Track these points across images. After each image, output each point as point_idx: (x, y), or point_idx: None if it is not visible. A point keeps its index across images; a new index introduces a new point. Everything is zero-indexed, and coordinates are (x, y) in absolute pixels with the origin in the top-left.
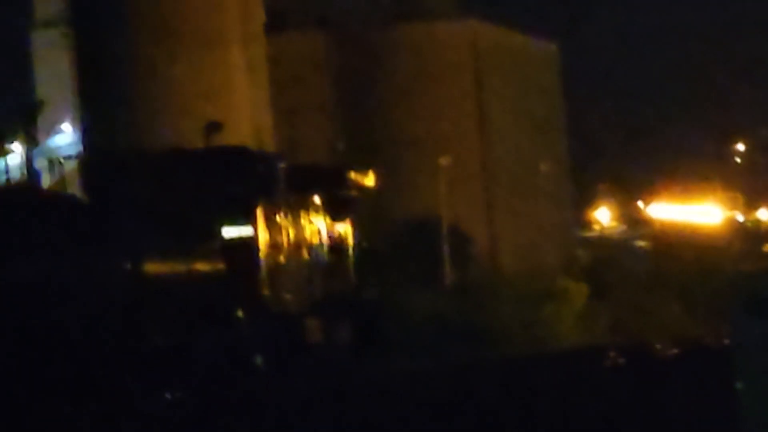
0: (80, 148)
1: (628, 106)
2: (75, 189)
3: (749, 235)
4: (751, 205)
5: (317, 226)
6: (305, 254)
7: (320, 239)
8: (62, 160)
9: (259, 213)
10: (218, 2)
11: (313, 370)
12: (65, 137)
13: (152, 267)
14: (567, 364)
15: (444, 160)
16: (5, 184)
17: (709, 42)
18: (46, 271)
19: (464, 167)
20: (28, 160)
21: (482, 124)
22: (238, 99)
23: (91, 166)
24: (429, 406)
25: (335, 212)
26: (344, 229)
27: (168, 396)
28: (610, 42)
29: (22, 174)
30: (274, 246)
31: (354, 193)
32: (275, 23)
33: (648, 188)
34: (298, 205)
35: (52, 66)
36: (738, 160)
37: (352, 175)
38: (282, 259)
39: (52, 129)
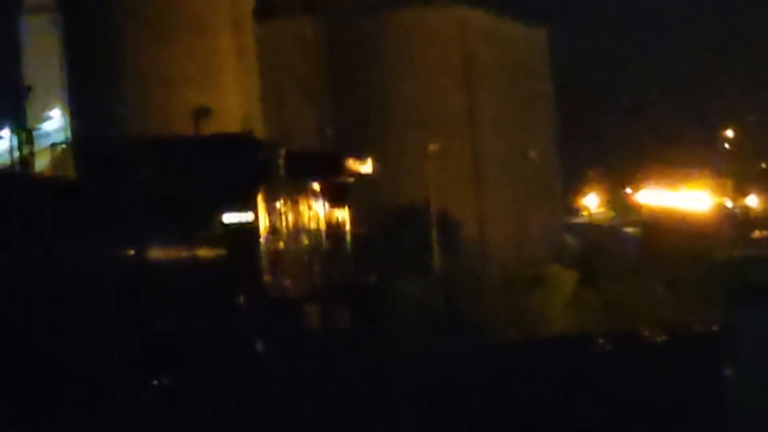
0: (69, 133)
1: (617, 93)
2: (64, 174)
3: (738, 221)
4: (740, 191)
5: (316, 213)
6: (305, 240)
7: (319, 225)
8: (52, 145)
9: (260, 199)
10: None
11: (311, 356)
12: (54, 123)
13: (153, 253)
14: (555, 351)
15: (433, 146)
16: (4, 169)
17: (699, 27)
18: (46, 257)
19: (453, 153)
20: (20, 145)
21: (471, 110)
22: (226, 85)
23: (92, 152)
24: (421, 392)
25: (333, 199)
26: (342, 215)
27: (155, 383)
28: (599, 27)
29: (13, 159)
30: (274, 232)
31: (352, 179)
32: (264, 9)
33: (637, 174)
34: (297, 192)
35: (41, 52)
36: (727, 146)
37: (350, 162)
38: (282, 245)
39: (41, 115)
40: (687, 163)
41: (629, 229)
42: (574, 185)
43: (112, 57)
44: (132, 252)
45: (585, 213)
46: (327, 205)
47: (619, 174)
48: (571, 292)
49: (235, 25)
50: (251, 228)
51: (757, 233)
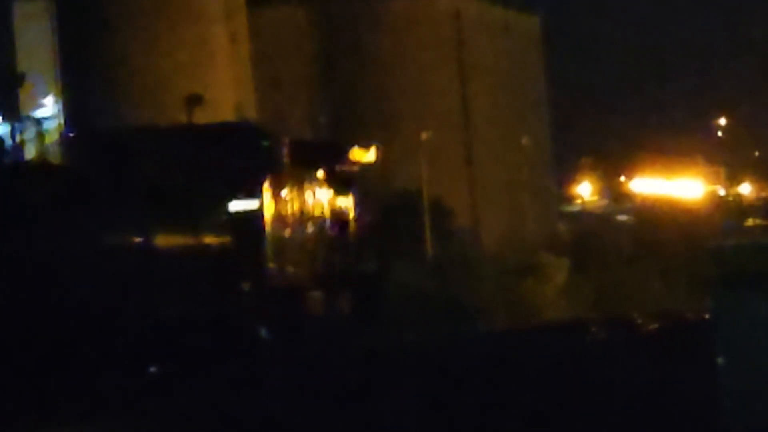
0: (62, 120)
1: (611, 81)
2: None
3: (731, 209)
4: (733, 179)
5: (320, 201)
6: (309, 228)
7: (323, 213)
8: (45, 133)
9: (265, 188)
10: None
11: (314, 342)
12: (47, 110)
13: (161, 240)
14: (548, 339)
15: (426, 135)
16: (14, 160)
17: (692, 16)
18: (53, 245)
19: (446, 141)
20: (12, 132)
21: (464, 98)
22: (219, 73)
23: (100, 141)
24: (415, 379)
25: (337, 187)
26: (346, 203)
27: (153, 369)
28: (592, 16)
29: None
30: (279, 220)
31: (355, 168)
32: None
33: (630, 163)
34: (302, 180)
35: (34, 39)
36: (720, 134)
37: (354, 150)
38: (286, 233)
39: (34, 102)
40: (680, 151)
41: (622, 218)
42: (568, 173)
43: (104, 45)
44: (140, 239)
45: (578, 201)
46: (331, 193)
47: (613, 162)
48: (564, 280)
49: (228, 13)
50: (256, 216)
51: (750, 221)
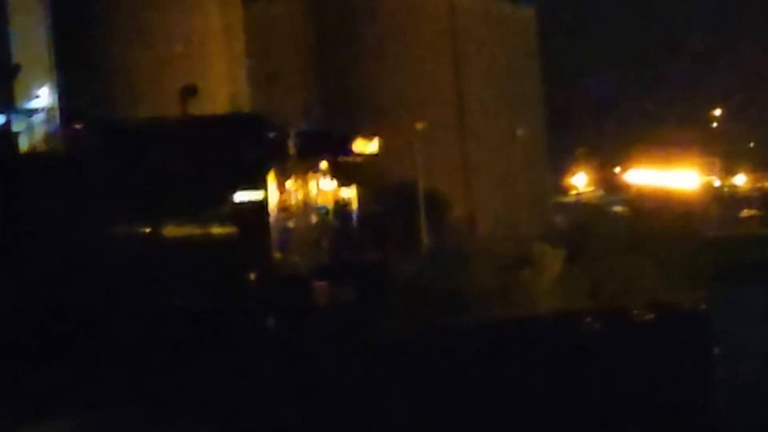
0: (57, 112)
1: (605, 73)
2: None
3: (726, 200)
4: (729, 170)
5: (324, 192)
6: (313, 219)
7: (328, 204)
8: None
9: (270, 178)
10: None
11: (319, 331)
12: (41, 101)
13: (168, 230)
14: (543, 329)
15: (421, 126)
16: (24, 150)
17: (687, 7)
18: (65, 234)
19: (441, 132)
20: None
21: (459, 90)
22: (214, 64)
23: (108, 132)
24: (411, 370)
25: (341, 178)
26: (349, 194)
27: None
28: (587, 6)
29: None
30: (284, 210)
31: (359, 159)
32: None
33: (625, 153)
34: (306, 171)
35: (29, 30)
36: (715, 125)
37: (358, 141)
38: (291, 223)
39: (28, 93)
40: (675, 142)
41: (618, 208)
42: (563, 164)
43: (98, 36)
44: (148, 229)
45: (573, 192)
46: (335, 183)
47: (608, 153)
48: (560, 271)
49: (223, 5)
50: (262, 206)
51: (744, 212)
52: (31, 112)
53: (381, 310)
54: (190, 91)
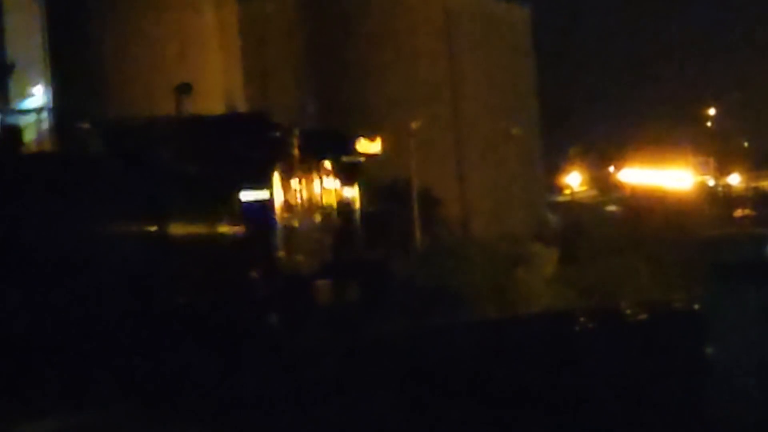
0: (50, 110)
1: (600, 71)
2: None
3: (720, 200)
4: (723, 170)
5: (328, 191)
6: (317, 218)
7: (331, 203)
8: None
9: (275, 178)
10: None
11: (320, 329)
12: (37, 100)
13: (175, 229)
14: (536, 328)
15: (415, 124)
16: (25, 150)
17: (682, 5)
18: (77, 232)
19: (435, 131)
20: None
21: (454, 88)
22: (208, 61)
23: (115, 131)
24: (404, 368)
25: (344, 177)
26: (352, 193)
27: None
28: (582, 5)
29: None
30: (289, 210)
31: (362, 158)
32: None
33: (619, 153)
34: (310, 170)
35: (23, 28)
36: (709, 124)
37: (361, 141)
38: (296, 222)
39: (23, 92)
40: (669, 141)
41: (611, 207)
42: (557, 163)
43: (93, 33)
44: (155, 228)
45: (567, 191)
46: (338, 183)
47: (602, 152)
48: (553, 270)
49: (218, 3)
50: (267, 205)
51: (739, 212)
52: (27, 111)
53: (381, 308)
54: (184, 90)
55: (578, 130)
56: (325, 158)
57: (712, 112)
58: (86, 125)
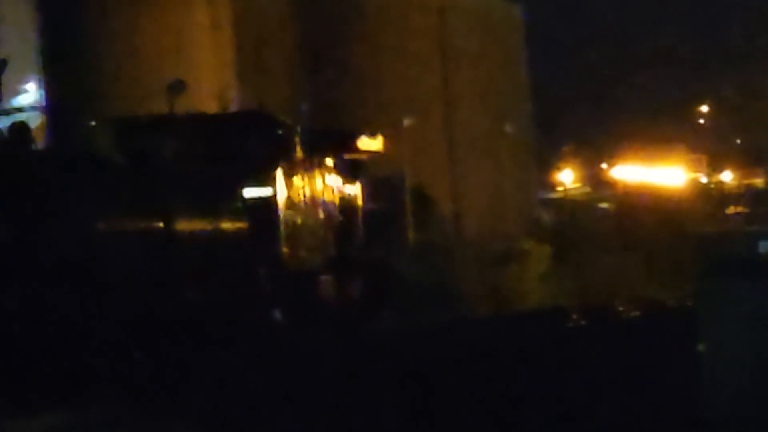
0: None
1: (593, 68)
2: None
3: (713, 197)
4: (715, 167)
5: (330, 188)
6: (320, 215)
7: (333, 200)
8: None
9: (279, 175)
10: None
11: (326, 325)
12: (29, 96)
13: (181, 225)
14: (529, 326)
15: (409, 122)
16: (35, 148)
17: (674, 2)
18: (86, 229)
19: (428, 128)
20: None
21: (447, 85)
22: (202, 59)
23: (121, 129)
24: (398, 366)
25: (346, 175)
26: (354, 191)
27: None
28: (575, 3)
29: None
30: (292, 206)
31: (364, 156)
32: None
33: (612, 150)
34: (313, 168)
35: (15, 25)
36: (702, 121)
37: (363, 139)
38: (299, 219)
39: (15, 89)
40: (662, 139)
41: (604, 205)
42: (550, 160)
43: (85, 30)
44: (162, 224)
45: (560, 188)
46: (340, 180)
47: (595, 149)
48: (546, 267)
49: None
50: (271, 202)
51: (731, 209)
52: (19, 109)
53: (383, 305)
54: (177, 87)
55: (571, 128)
56: (327, 156)
57: (704, 109)
58: (93, 122)
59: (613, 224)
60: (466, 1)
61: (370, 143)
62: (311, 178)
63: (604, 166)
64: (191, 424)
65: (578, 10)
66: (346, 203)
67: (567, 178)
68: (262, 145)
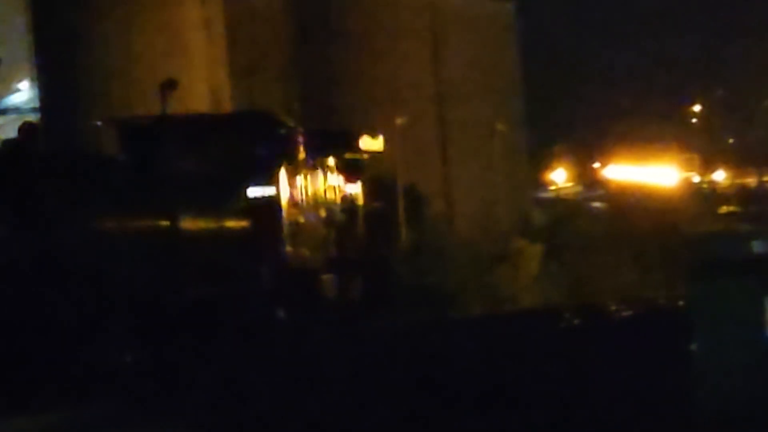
0: (37, 106)
1: (584, 67)
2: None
3: (705, 196)
4: (708, 166)
5: (332, 188)
6: (322, 214)
7: (335, 200)
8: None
9: (281, 174)
10: None
11: (327, 323)
12: (23, 95)
13: (186, 224)
14: (521, 325)
15: (400, 121)
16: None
17: (667, 2)
18: (94, 227)
19: (420, 128)
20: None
21: (439, 84)
22: (194, 58)
23: (127, 129)
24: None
25: (347, 175)
26: (355, 190)
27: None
28: (566, 1)
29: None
30: (295, 206)
31: (365, 156)
32: None
33: (604, 149)
34: (315, 168)
35: (8, 24)
36: (694, 121)
37: (364, 139)
38: (301, 218)
39: (9, 88)
40: (654, 138)
41: (596, 204)
42: (542, 160)
43: (78, 28)
44: (167, 223)
45: (552, 187)
46: (342, 180)
47: (587, 149)
48: (538, 267)
49: None
50: (274, 202)
51: (723, 209)
52: (13, 109)
53: (383, 304)
54: (170, 86)
55: (563, 127)
56: (329, 155)
57: (697, 108)
58: (99, 122)
59: (606, 223)
60: (458, 1)
61: (370, 143)
62: (313, 177)
63: (596, 165)
64: (194, 423)
65: (570, 9)
66: (347, 202)
67: (559, 177)
68: (265, 146)
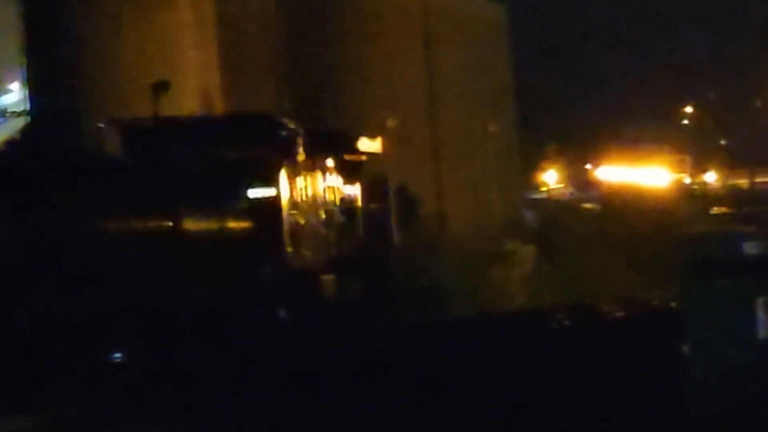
0: (28, 107)
1: (577, 69)
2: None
3: (697, 197)
4: (699, 167)
5: (331, 189)
6: (321, 215)
7: (334, 201)
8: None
9: (282, 176)
10: None
11: (328, 323)
12: (13, 96)
13: (188, 225)
14: (513, 326)
15: (392, 122)
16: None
17: (659, 4)
18: (96, 227)
19: (412, 129)
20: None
21: (431, 86)
22: (185, 58)
23: (129, 131)
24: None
25: (347, 175)
26: (354, 191)
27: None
28: (558, 3)
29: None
30: (295, 206)
31: (363, 157)
32: None
33: (596, 150)
34: (314, 169)
35: (0, 25)
36: (686, 122)
37: (362, 140)
38: (301, 219)
39: (0, 89)
40: (646, 139)
41: (588, 205)
42: (534, 161)
43: (69, 29)
44: (169, 224)
45: (544, 188)
46: (341, 181)
47: (579, 150)
48: (530, 268)
49: None
50: (275, 203)
51: (715, 209)
52: (7, 106)
53: (383, 303)
54: (161, 87)
55: (555, 128)
56: (328, 156)
57: (689, 110)
58: (102, 124)
59: (598, 225)
60: (450, 2)
61: (368, 145)
62: (313, 179)
63: (588, 166)
64: (194, 423)
65: (563, 11)
66: (347, 203)
67: (551, 178)
68: (267, 147)
